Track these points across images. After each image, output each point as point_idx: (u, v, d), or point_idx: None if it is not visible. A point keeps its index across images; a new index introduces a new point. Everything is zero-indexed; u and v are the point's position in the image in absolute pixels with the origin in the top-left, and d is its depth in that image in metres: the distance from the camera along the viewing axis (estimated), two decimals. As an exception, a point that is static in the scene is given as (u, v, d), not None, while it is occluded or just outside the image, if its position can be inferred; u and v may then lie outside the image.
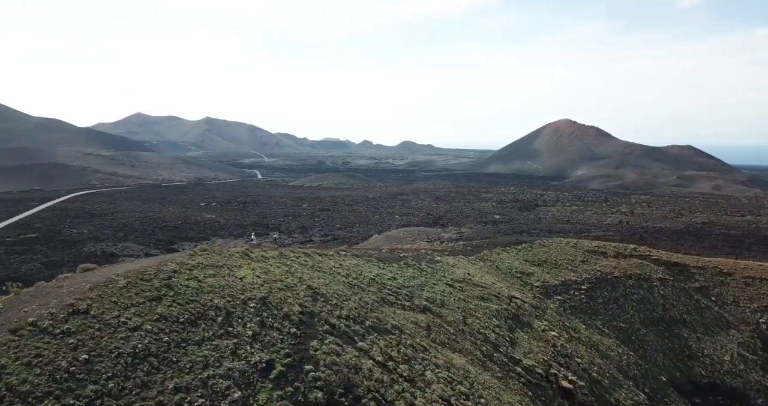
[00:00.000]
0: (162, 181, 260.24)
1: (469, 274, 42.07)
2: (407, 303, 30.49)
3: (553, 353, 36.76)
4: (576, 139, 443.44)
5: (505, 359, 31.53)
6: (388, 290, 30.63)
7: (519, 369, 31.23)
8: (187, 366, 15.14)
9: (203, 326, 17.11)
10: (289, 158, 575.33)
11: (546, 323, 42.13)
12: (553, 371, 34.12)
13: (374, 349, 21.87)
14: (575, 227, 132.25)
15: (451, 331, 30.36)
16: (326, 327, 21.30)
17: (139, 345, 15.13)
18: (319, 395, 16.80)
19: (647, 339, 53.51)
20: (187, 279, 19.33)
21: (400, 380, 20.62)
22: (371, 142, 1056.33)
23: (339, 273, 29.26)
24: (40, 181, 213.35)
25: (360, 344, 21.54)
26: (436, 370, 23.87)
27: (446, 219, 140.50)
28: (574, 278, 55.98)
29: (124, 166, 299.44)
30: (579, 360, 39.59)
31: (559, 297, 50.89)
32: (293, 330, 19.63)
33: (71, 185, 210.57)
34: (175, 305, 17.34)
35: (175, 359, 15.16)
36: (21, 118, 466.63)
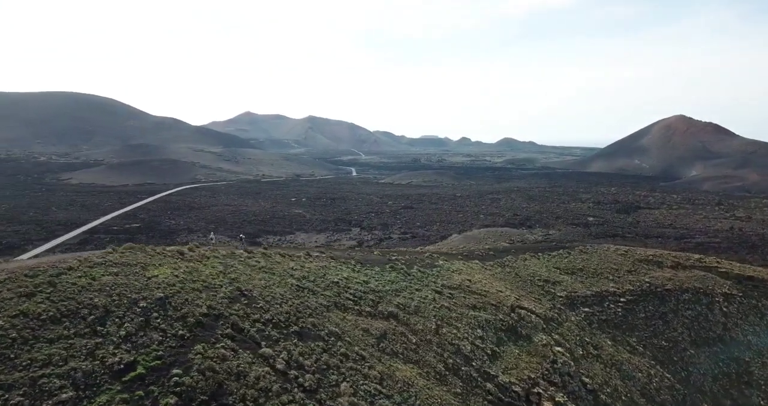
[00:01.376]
0: (261, 177, 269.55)
1: (469, 280, 39.72)
2: (368, 309, 29.23)
3: (547, 370, 33.67)
4: (690, 137, 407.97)
5: (475, 374, 29.27)
6: (349, 294, 29.56)
7: (489, 386, 28.84)
8: (23, 364, 15.33)
9: (67, 324, 17.31)
10: (386, 156, 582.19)
11: (557, 336, 38.81)
12: (537, 390, 31.20)
13: (281, 356, 21.06)
14: (677, 231, 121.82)
15: (413, 340, 28.70)
16: (228, 331, 20.81)
17: (-22, 340, 15.50)
18: (172, 400, 16.35)
19: (695, 361, 47.80)
20: (79, 277, 19.72)
21: (296, 390, 19.64)
22: (469, 140, 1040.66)
23: (292, 276, 28.68)
24: (153, 176, 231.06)
25: (263, 350, 20.81)
26: (361, 382, 22.56)
27: (534, 220, 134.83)
28: (612, 289, 51.23)
29: (229, 162, 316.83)
30: (587, 380, 36.07)
31: (587, 309, 46.74)
32: (182, 332, 19.35)
33: (180, 179, 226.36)
34: (45, 302, 17.72)
35: (13, 356, 15.41)
36: (144, 117, 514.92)
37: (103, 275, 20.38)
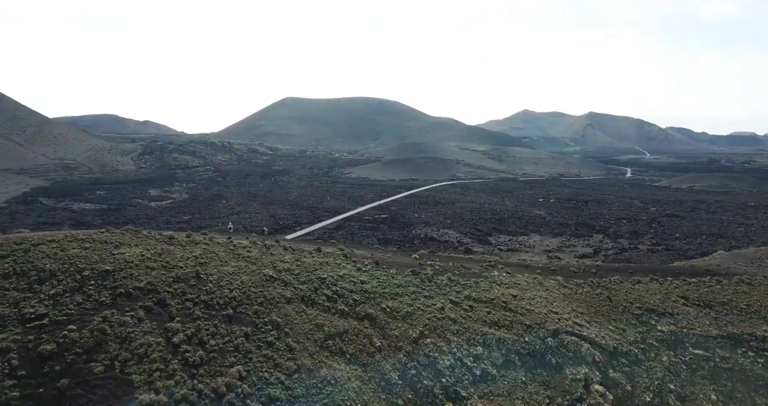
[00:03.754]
0: (521, 176, 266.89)
1: (513, 296, 35.92)
2: (343, 307, 29.77)
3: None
4: None
5: (438, 391, 27.20)
6: (330, 291, 30.51)
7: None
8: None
9: (13, 279, 23.23)
10: (675, 155, 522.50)
11: (616, 375, 32.76)
12: (521, 425, 27.08)
13: (186, 332, 23.81)
14: None
15: (377, 344, 28.25)
16: (149, 304, 24.54)
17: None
18: (49, 347, 20.81)
19: None
20: (53, 248, 25.81)
21: (174, 361, 22.19)
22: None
23: (275, 267, 31.04)
24: (418, 172, 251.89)
25: (170, 324, 23.93)
26: (264, 369, 23.86)
27: None
28: (763, 334, 39.61)
29: (492, 160, 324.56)
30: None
31: (699, 351, 37.43)
32: (103, 299, 23.83)
33: (440, 176, 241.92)
34: (10, 262, 24.03)
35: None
36: (422, 118, 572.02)
37: (73, 248, 26.29)
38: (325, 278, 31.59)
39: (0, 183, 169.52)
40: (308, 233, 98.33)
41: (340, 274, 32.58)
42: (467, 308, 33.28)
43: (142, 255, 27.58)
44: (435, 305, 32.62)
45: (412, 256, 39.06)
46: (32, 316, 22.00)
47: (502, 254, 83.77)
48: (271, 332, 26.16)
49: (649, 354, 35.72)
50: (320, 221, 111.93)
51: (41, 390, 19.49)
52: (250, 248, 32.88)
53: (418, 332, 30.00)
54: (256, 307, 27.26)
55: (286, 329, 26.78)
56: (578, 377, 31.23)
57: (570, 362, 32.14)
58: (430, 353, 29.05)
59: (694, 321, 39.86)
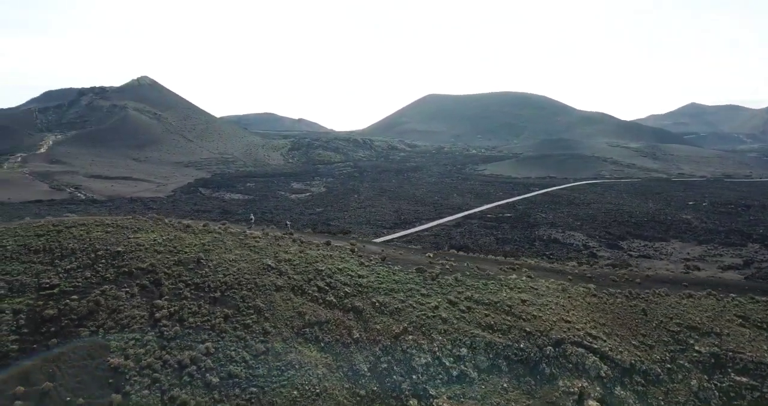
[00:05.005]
0: (675, 176, 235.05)
1: (522, 301, 34.62)
2: (331, 299, 31.27)
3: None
4: None
5: (406, 387, 27.59)
6: (323, 283, 32.14)
7: (413, 402, 26.73)
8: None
9: (40, 255, 28.04)
10: None
11: (622, 392, 30.43)
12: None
13: (170, 309, 26.98)
14: None
15: (355, 336, 29.41)
16: (145, 282, 28.17)
17: None
18: (53, 311, 25.10)
19: None
20: (80, 230, 30.47)
21: (151, 333, 25.44)
22: None
23: (276, 258, 33.37)
24: (556, 170, 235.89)
25: (158, 301, 27.28)
26: (233, 348, 26.30)
27: None
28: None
29: (645, 158, 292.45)
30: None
31: (744, 379, 33.07)
32: (108, 276, 27.87)
33: (581, 175, 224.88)
34: (42, 240, 28.93)
35: (-4, 265, 27.02)
36: (570, 112, 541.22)
37: (97, 232, 30.84)
38: (322, 270, 33.31)
39: (171, 174, 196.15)
40: (426, 229, 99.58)
41: (339, 267, 34.07)
42: (464, 308, 32.95)
43: (155, 240, 31.48)
44: (430, 303, 32.78)
45: (425, 254, 39.23)
46: (47, 285, 26.53)
47: (631, 261, 77.84)
48: (251, 316, 28.50)
49: (675, 376, 32.43)
50: (441, 218, 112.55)
51: (35, 346, 23.62)
52: (260, 238, 35.64)
53: (401, 328, 30.52)
54: (244, 292, 29.79)
55: (266, 314, 28.95)
56: (572, 390, 29.52)
57: (567, 374, 30.44)
58: (408, 350, 29.45)
59: (746, 344, 35.26)
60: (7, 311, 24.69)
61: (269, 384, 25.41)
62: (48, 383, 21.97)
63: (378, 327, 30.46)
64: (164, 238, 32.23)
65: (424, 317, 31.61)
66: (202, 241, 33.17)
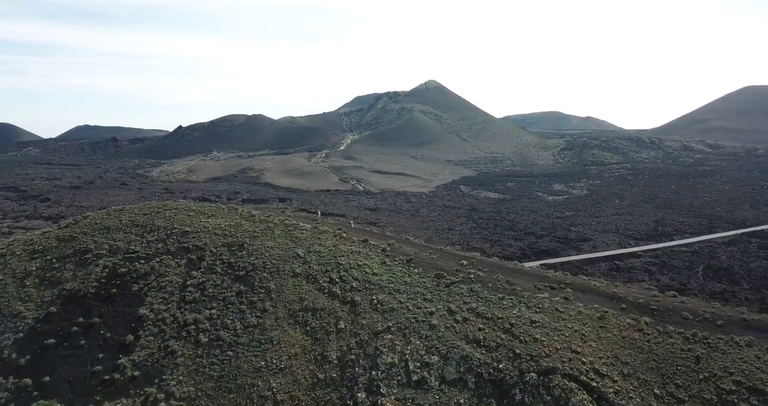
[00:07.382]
0: None
1: (532, 322, 32.46)
2: (336, 290, 35.01)
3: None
4: None
5: (362, 380, 29.87)
6: (336, 275, 35.96)
7: (361, 396, 28.95)
8: (115, 236, 38.06)
9: (132, 228, 38.56)
10: None
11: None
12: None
13: (199, 280, 34.59)
14: None
15: (341, 326, 32.92)
16: (193, 257, 36.39)
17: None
18: (105, 273, 35.21)
19: None
20: (174, 214, 40.17)
21: (176, 295, 33.39)
22: None
23: (309, 249, 38.29)
24: None
25: (194, 272, 35.14)
26: (232, 318, 32.67)
27: None
28: None
29: None
30: None
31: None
32: (166, 249, 37.02)
33: None
34: (142, 217, 39.45)
35: (102, 235, 38.40)
36: None
37: (181, 215, 40.34)
38: (342, 264, 37.13)
39: (440, 171, 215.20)
40: (685, 245, 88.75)
41: (359, 263, 37.34)
42: (460, 319, 32.95)
43: (219, 225, 39.73)
44: (427, 308, 33.74)
45: (460, 261, 39.09)
46: (131, 251, 36.79)
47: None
48: (260, 294, 34.37)
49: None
50: (712, 233, 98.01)
51: (102, 291, 33.71)
52: (304, 230, 41.00)
53: (385, 326, 32.55)
54: (264, 274, 35.78)
55: (273, 295, 34.45)
56: (536, 419, 27.48)
57: (540, 404, 28.22)
58: (380, 347, 31.47)
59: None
60: (99, 265, 35.48)
61: (244, 352, 30.94)
62: (96, 319, 31.58)
63: (365, 322, 33.07)
64: (227, 224, 40.31)
65: (412, 320, 32.89)
66: (255, 229, 40.26)
